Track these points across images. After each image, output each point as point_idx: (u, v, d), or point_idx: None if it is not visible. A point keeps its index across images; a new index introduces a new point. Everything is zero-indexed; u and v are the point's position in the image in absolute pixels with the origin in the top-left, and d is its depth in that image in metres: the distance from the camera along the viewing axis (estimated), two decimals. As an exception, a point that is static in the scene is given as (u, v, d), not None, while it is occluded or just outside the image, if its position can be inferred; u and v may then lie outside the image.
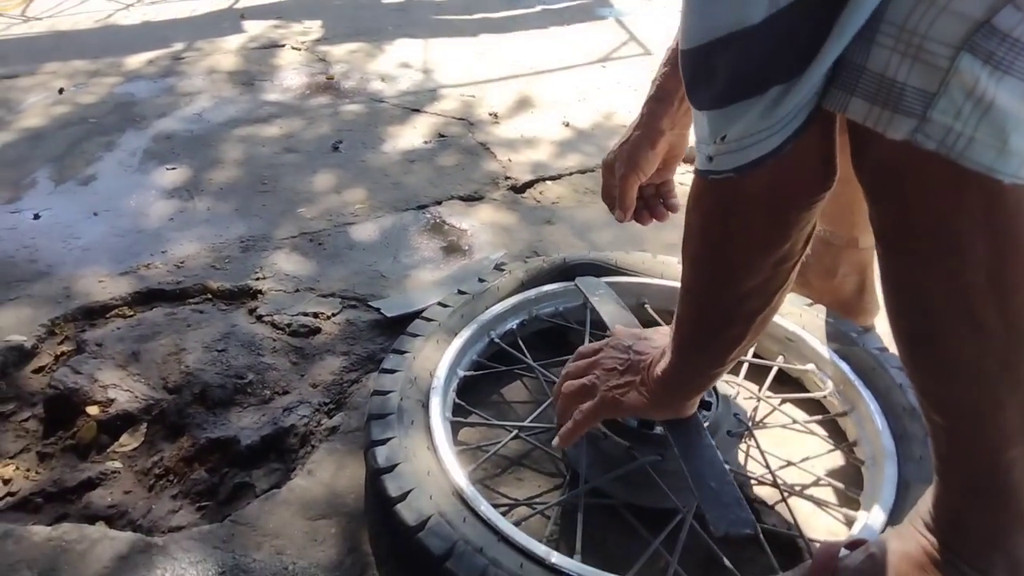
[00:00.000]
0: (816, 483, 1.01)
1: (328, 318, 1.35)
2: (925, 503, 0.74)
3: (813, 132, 0.61)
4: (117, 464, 1.09)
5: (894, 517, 0.86)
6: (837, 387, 1.08)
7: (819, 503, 0.97)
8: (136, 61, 2.63)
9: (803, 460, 1.02)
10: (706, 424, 0.95)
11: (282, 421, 1.13)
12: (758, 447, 1.01)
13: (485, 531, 0.83)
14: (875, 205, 0.60)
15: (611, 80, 2.48)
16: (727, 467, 0.96)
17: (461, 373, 1.11)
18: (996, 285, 0.57)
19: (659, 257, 1.29)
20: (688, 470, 0.86)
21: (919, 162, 0.54)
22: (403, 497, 0.86)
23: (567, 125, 2.14)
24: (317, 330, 1.32)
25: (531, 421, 1.07)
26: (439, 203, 1.74)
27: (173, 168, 1.89)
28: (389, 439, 0.94)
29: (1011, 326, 0.58)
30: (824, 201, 0.67)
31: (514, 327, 1.21)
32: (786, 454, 1.03)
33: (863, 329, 1.14)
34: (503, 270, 1.27)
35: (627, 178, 1.00)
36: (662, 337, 0.91)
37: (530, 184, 1.82)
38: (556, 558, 0.81)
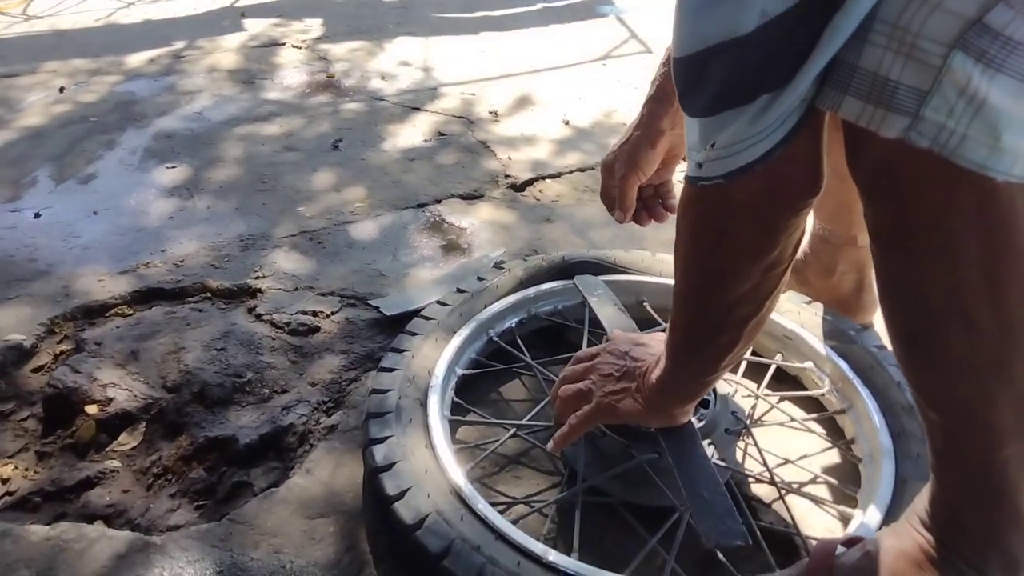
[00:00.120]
0: (814, 481, 1.01)
1: (327, 317, 1.35)
2: (922, 500, 0.74)
3: (801, 139, 0.61)
4: (116, 463, 1.10)
5: (891, 514, 0.86)
6: (835, 385, 1.08)
7: (817, 501, 0.98)
8: (137, 60, 2.64)
9: (801, 458, 1.03)
10: (704, 422, 0.95)
11: (281, 420, 1.13)
12: (756, 445, 1.01)
13: (483, 529, 0.83)
14: (869, 203, 0.60)
15: (611, 78, 2.48)
16: (726, 465, 0.96)
17: (459, 371, 1.11)
18: (989, 282, 0.57)
19: (658, 255, 1.29)
20: (681, 478, 0.86)
21: (912, 160, 0.54)
22: (401, 495, 0.86)
23: (567, 123, 2.14)
24: (316, 329, 1.32)
25: (529, 419, 1.07)
26: (439, 201, 1.74)
27: (173, 167, 1.89)
28: (387, 437, 0.94)
29: (1004, 324, 0.58)
30: (811, 208, 0.68)
31: (513, 325, 1.21)
32: (784, 452, 1.03)
33: (861, 327, 1.14)
34: (502, 268, 1.27)
35: (627, 178, 1.00)
36: (658, 344, 0.91)
37: (530, 182, 1.82)
38: (554, 556, 0.81)
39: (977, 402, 0.62)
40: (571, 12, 3.15)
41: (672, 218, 1.06)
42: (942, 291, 0.59)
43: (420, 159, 1.93)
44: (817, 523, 0.96)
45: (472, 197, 1.76)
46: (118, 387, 1.18)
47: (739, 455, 1.03)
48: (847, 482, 0.99)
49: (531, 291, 1.23)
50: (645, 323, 1.20)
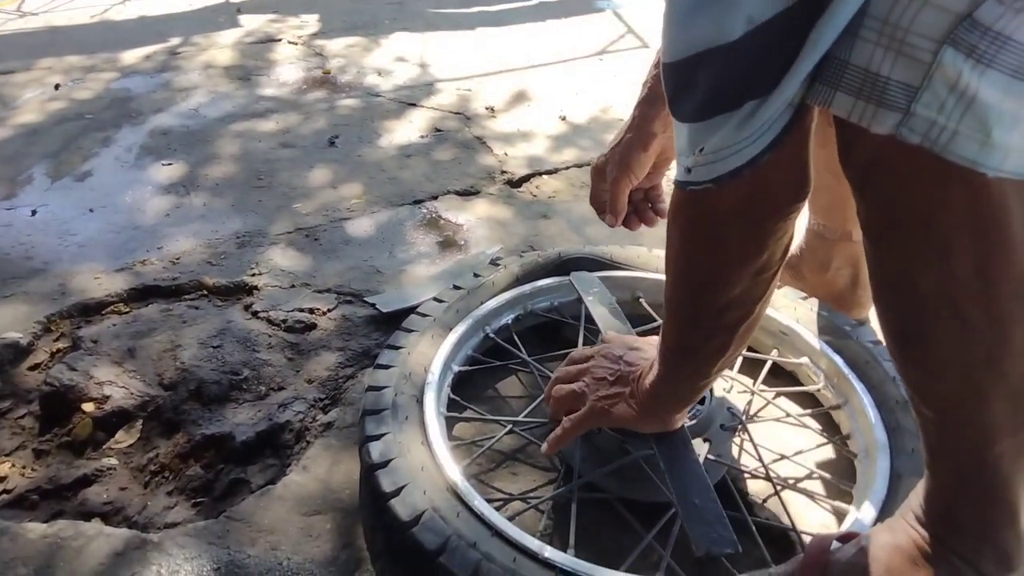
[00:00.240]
0: (809, 476, 1.01)
1: (324, 314, 1.35)
2: (916, 496, 0.74)
3: (788, 144, 0.62)
4: (113, 461, 1.10)
5: (886, 510, 0.86)
6: (830, 380, 1.09)
7: (812, 496, 0.98)
8: (132, 56, 2.63)
9: (796, 453, 1.03)
10: (698, 420, 0.95)
11: (277, 417, 1.13)
12: (751, 440, 1.01)
13: (479, 526, 0.84)
14: (861, 199, 0.60)
15: (608, 73, 2.48)
16: (721, 461, 0.97)
17: (456, 368, 1.12)
18: (981, 278, 0.57)
19: (654, 251, 1.29)
20: (672, 484, 0.86)
21: (904, 156, 0.54)
22: (397, 492, 0.86)
23: (564, 119, 2.13)
24: (312, 326, 1.32)
25: (525, 416, 1.07)
26: (435, 198, 1.74)
27: (169, 164, 1.89)
28: (383, 435, 0.94)
29: (995, 319, 0.58)
30: (799, 213, 0.69)
31: (509, 322, 1.21)
32: (779, 447, 1.03)
33: (857, 322, 1.14)
34: (498, 265, 1.27)
35: (619, 181, 0.99)
36: (652, 348, 0.92)
37: (526, 178, 1.82)
38: (549, 552, 0.81)
39: (970, 398, 0.62)
40: (567, 7, 3.14)
41: (662, 222, 1.06)
42: (934, 287, 0.59)
43: (416, 155, 1.93)
44: (812, 518, 0.96)
45: (468, 193, 1.76)
46: (115, 385, 1.18)
47: (735, 451, 1.03)
48: (842, 477, 0.99)
49: (527, 287, 1.23)
50: (641, 319, 1.20)
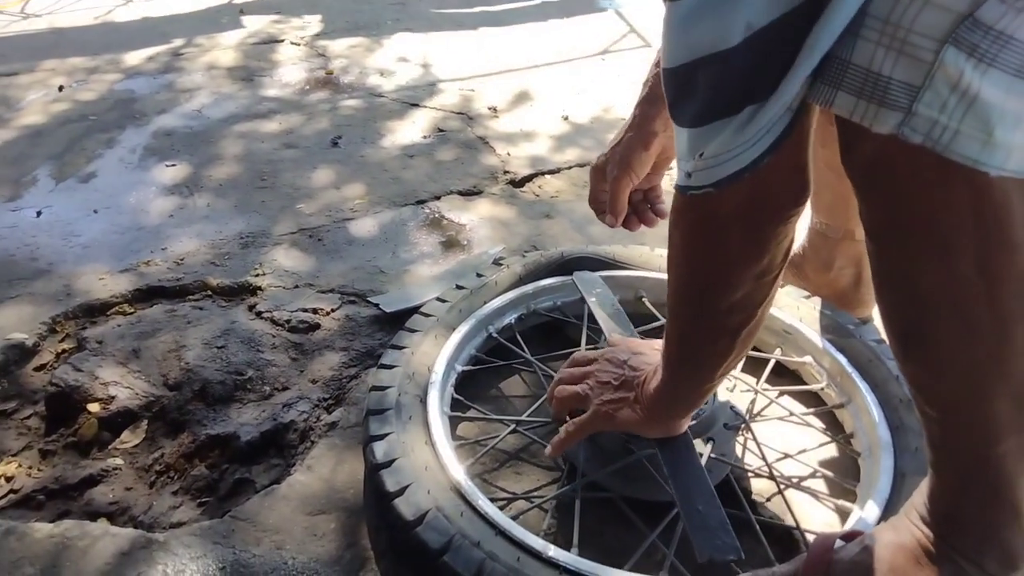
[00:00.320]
0: (813, 475, 1.01)
1: (327, 314, 1.35)
2: (920, 495, 0.74)
3: (786, 148, 0.62)
4: (118, 461, 1.10)
5: (890, 508, 0.87)
6: (834, 379, 1.09)
7: (816, 495, 0.98)
8: (135, 57, 2.64)
9: (800, 452, 1.03)
10: (702, 419, 0.95)
11: (281, 417, 1.14)
12: (755, 439, 1.01)
13: (483, 525, 0.84)
14: (864, 200, 0.60)
15: (611, 73, 2.48)
16: (725, 460, 0.97)
17: (459, 368, 1.12)
18: (984, 277, 0.57)
19: (656, 250, 1.30)
20: (676, 490, 0.86)
21: (906, 156, 0.54)
22: (401, 492, 0.87)
23: (566, 119, 2.14)
24: (316, 326, 1.32)
25: (529, 415, 1.07)
26: (438, 198, 1.74)
27: (173, 165, 1.90)
28: (387, 434, 0.94)
29: (999, 319, 0.58)
30: (799, 217, 0.69)
31: (512, 322, 1.21)
32: (783, 446, 1.03)
33: (860, 321, 1.14)
34: (501, 265, 1.27)
35: (619, 180, 0.99)
36: (655, 353, 0.92)
37: (529, 178, 1.82)
38: (553, 551, 0.81)
39: (973, 398, 0.62)
40: (570, 7, 3.14)
41: (663, 222, 1.06)
42: (938, 287, 0.59)
43: (419, 155, 1.93)
44: (816, 517, 0.96)
45: (471, 193, 1.76)
46: (120, 385, 1.19)
47: (738, 450, 1.03)
48: (846, 476, 1.00)
49: (530, 287, 1.23)
50: (644, 318, 1.20)
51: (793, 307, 1.17)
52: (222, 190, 1.78)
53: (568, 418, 1.00)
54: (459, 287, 1.21)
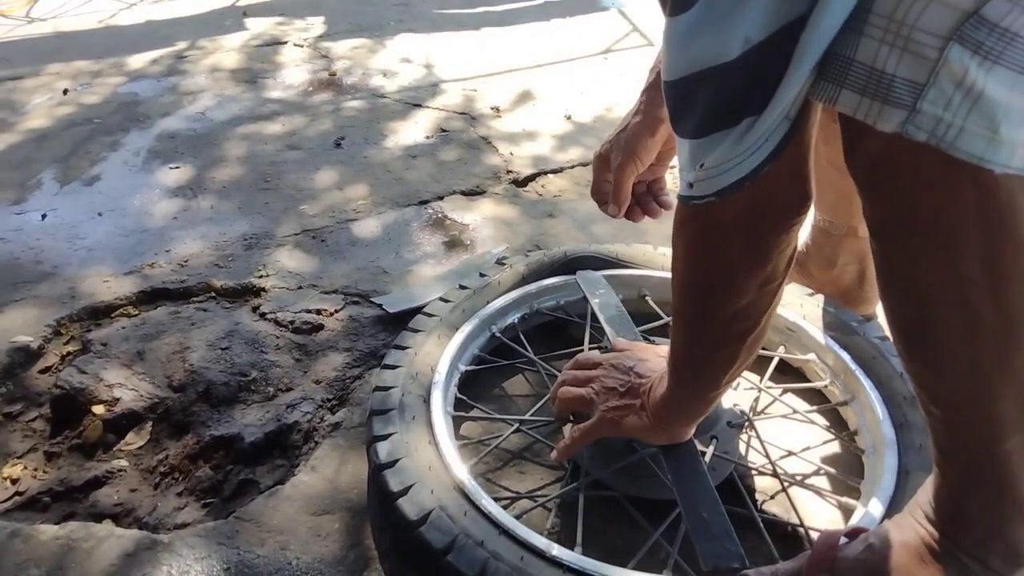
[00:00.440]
0: (817, 472, 1.01)
1: (331, 315, 1.36)
2: (925, 493, 0.74)
3: (786, 156, 0.62)
4: (123, 462, 1.11)
5: (894, 506, 0.86)
6: (838, 376, 1.08)
7: (820, 492, 0.98)
8: (139, 60, 2.65)
9: (804, 449, 1.03)
10: (705, 417, 0.95)
11: (285, 418, 1.14)
12: (759, 437, 1.01)
13: (486, 524, 0.84)
14: (868, 199, 0.60)
15: (613, 72, 2.48)
16: (729, 458, 0.97)
17: (462, 368, 1.12)
18: (990, 276, 0.56)
19: (660, 249, 1.29)
20: (680, 497, 0.86)
21: (910, 154, 0.53)
22: (405, 492, 0.87)
23: (569, 118, 2.14)
24: (320, 327, 1.32)
25: (532, 414, 1.07)
26: (441, 198, 1.74)
27: (177, 167, 1.90)
28: (391, 434, 0.94)
29: (1006, 317, 0.58)
30: (801, 225, 0.69)
31: (515, 321, 1.21)
32: (787, 444, 1.03)
33: (863, 318, 1.14)
34: (504, 264, 1.27)
35: (624, 167, 0.98)
36: (661, 360, 0.92)
37: (532, 178, 1.82)
38: (557, 550, 0.81)
39: (979, 396, 0.62)
40: (572, 6, 3.14)
41: (666, 214, 1.06)
42: (943, 285, 0.58)
43: (422, 156, 1.93)
44: (820, 515, 0.96)
45: (474, 193, 1.76)
46: (124, 387, 1.19)
47: (742, 447, 1.03)
48: (850, 473, 0.99)
49: (533, 287, 1.23)
50: (647, 317, 1.20)
51: (796, 304, 1.16)
52: (226, 192, 1.79)
53: (571, 418, 1.01)
54: (462, 287, 1.21)
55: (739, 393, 1.10)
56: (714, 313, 0.74)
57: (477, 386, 1.14)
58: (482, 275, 1.24)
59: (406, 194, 1.75)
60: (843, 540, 0.76)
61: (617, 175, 0.99)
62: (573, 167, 1.87)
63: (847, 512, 0.94)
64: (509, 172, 1.84)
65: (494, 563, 0.79)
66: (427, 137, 2.04)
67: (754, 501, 0.96)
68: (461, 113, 2.18)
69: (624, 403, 0.91)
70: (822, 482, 1.00)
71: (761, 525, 0.89)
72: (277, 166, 1.90)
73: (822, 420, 1.09)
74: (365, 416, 1.03)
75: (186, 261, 1.52)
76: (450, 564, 0.79)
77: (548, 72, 2.48)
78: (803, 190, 0.67)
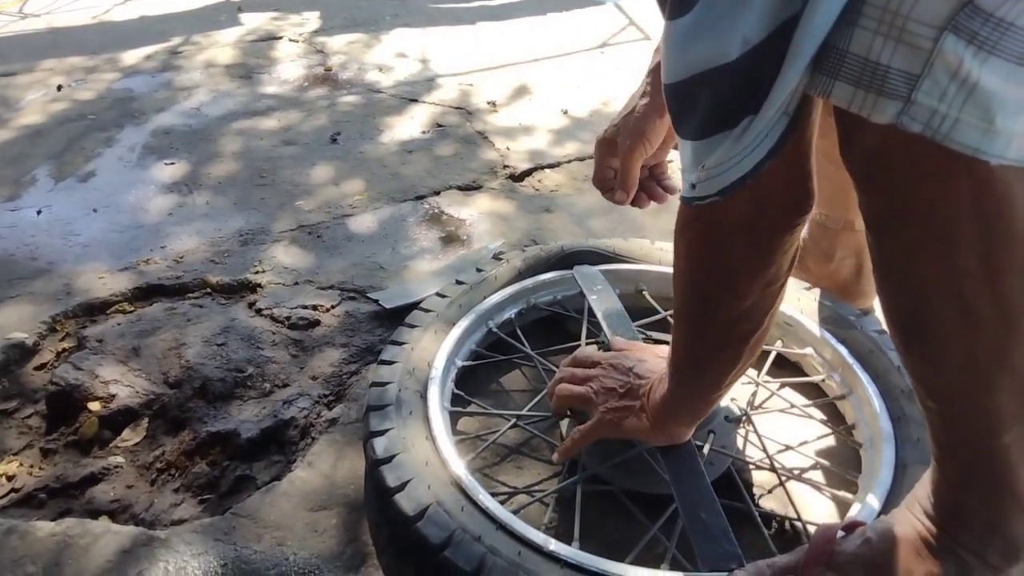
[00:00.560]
0: (814, 466, 1.01)
1: (327, 310, 1.35)
2: (923, 487, 0.73)
3: (788, 151, 0.62)
4: (119, 459, 1.10)
5: (892, 499, 0.86)
6: (835, 370, 1.08)
7: (817, 486, 0.98)
8: (133, 56, 2.63)
9: (801, 444, 1.03)
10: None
11: (282, 413, 1.14)
12: (756, 432, 1.01)
13: (483, 519, 0.84)
14: (863, 191, 0.60)
15: (610, 66, 2.47)
16: (726, 453, 0.96)
17: (459, 363, 1.12)
18: (987, 269, 0.56)
19: (657, 244, 1.29)
20: (679, 498, 0.86)
21: (905, 146, 0.53)
22: (402, 487, 0.87)
23: (565, 113, 2.13)
24: (316, 322, 1.32)
25: (529, 410, 1.07)
26: (437, 193, 1.73)
27: (172, 163, 1.90)
28: (388, 430, 0.94)
29: (1003, 311, 0.57)
30: (804, 225, 0.69)
31: (512, 316, 1.21)
32: (784, 438, 1.03)
33: (861, 312, 1.14)
34: (501, 259, 1.26)
35: (633, 151, 0.96)
36: (660, 361, 0.92)
37: (528, 172, 1.82)
38: (555, 545, 0.81)
39: (977, 390, 0.62)
40: (568, 0, 3.14)
41: (671, 203, 1.05)
42: (939, 278, 0.58)
43: (418, 151, 1.93)
44: (817, 509, 0.96)
45: (471, 188, 1.76)
46: (120, 383, 1.19)
47: (739, 442, 1.03)
48: (847, 467, 0.99)
49: (530, 282, 1.23)
50: (645, 312, 1.20)
51: (794, 299, 1.16)
52: (221, 188, 1.78)
53: (569, 414, 1.00)
54: (459, 282, 1.21)
55: (736, 388, 1.09)
56: (717, 315, 0.74)
57: (474, 381, 1.14)
58: (479, 270, 1.24)
59: (402, 189, 1.75)
60: (840, 534, 0.76)
61: (626, 159, 0.97)
62: (570, 162, 1.87)
63: (844, 506, 0.94)
64: (505, 167, 1.84)
65: (491, 558, 0.79)
66: (423, 132, 2.04)
67: (751, 495, 0.96)
68: (457, 108, 2.18)
69: (624, 404, 0.91)
70: (819, 476, 1.00)
71: (758, 519, 0.90)
72: (272, 162, 1.89)
73: (819, 414, 1.09)
74: (362, 412, 1.03)
75: (181, 257, 1.51)
76: (447, 559, 0.79)
77: (544, 66, 2.48)
78: (805, 188, 0.66)
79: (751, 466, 1.00)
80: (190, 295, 1.41)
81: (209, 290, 1.42)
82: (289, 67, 2.52)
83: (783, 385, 1.12)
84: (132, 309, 1.38)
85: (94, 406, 1.16)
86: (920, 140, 0.52)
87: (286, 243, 1.56)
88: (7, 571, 0.88)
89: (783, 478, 0.97)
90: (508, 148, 1.93)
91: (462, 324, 1.14)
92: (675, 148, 1.07)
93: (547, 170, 1.83)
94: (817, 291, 1.17)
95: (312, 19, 3.01)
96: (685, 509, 0.85)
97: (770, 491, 0.98)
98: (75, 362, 1.22)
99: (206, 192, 1.76)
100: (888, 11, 0.50)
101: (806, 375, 1.14)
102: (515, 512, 0.87)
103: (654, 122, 0.94)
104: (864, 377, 1.03)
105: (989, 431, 0.63)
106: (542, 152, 1.91)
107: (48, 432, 1.16)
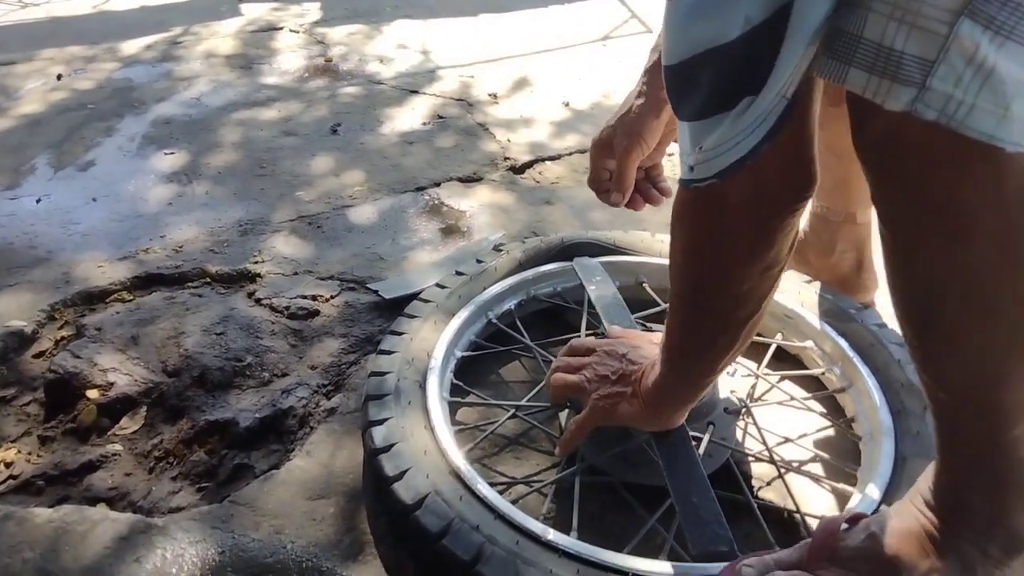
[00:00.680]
0: (814, 459, 1.01)
1: (327, 300, 1.35)
2: (926, 480, 0.73)
3: (786, 134, 0.61)
4: (117, 447, 1.10)
5: (891, 492, 0.86)
6: (835, 363, 1.08)
7: (816, 479, 0.98)
8: (134, 46, 2.63)
9: (801, 436, 1.02)
10: (702, 403, 0.95)
11: (281, 403, 1.13)
12: (756, 424, 1.01)
13: (482, 509, 0.84)
14: (876, 181, 0.58)
15: (611, 59, 2.47)
16: (725, 445, 0.96)
17: (459, 353, 1.11)
18: (1007, 261, 0.55)
19: (657, 236, 1.29)
20: (671, 483, 0.86)
21: (920, 133, 0.52)
22: (400, 476, 0.86)
23: (566, 105, 2.12)
24: (316, 312, 1.32)
25: (528, 400, 1.07)
26: (438, 184, 1.73)
27: (171, 153, 1.89)
28: (386, 419, 0.94)
29: (1020, 302, 0.56)
30: (804, 208, 0.68)
31: (512, 307, 1.21)
32: (784, 430, 1.03)
33: (861, 305, 1.14)
34: (501, 251, 1.26)
35: (629, 152, 0.95)
36: (653, 347, 0.92)
37: (529, 164, 1.81)
38: (553, 535, 0.81)
39: (990, 383, 0.61)
40: (571, -7, 3.13)
41: (667, 201, 1.04)
42: (956, 270, 0.56)
43: (419, 142, 1.92)
44: (817, 501, 0.96)
45: (471, 180, 1.75)
46: (119, 372, 1.19)
47: (739, 434, 1.03)
48: (847, 460, 0.99)
49: (530, 273, 1.22)
50: (645, 304, 1.19)
51: (794, 292, 1.16)
52: (221, 178, 1.77)
53: (567, 404, 1.00)
54: (459, 273, 1.20)
55: (736, 380, 1.09)
56: (714, 299, 0.73)
57: (473, 372, 1.14)
58: (479, 261, 1.23)
59: (402, 180, 1.74)
60: (844, 526, 0.76)
61: (622, 160, 0.97)
62: (571, 154, 1.86)
63: (843, 499, 0.94)
64: (506, 159, 1.83)
65: (489, 547, 0.79)
66: (424, 123, 2.03)
67: (751, 487, 0.96)
68: (458, 99, 2.17)
69: (616, 390, 0.90)
70: (819, 469, 1.00)
71: (757, 511, 0.89)
72: (273, 152, 1.88)
73: (819, 407, 1.09)
74: (361, 401, 1.03)
75: (181, 247, 1.51)
76: (445, 548, 0.79)
77: (546, 58, 2.47)
78: (805, 172, 0.65)
79: (750, 458, 1.00)
80: (189, 284, 1.41)
81: (208, 279, 1.42)
82: (289, 58, 2.51)
83: (783, 378, 1.12)
84: (131, 298, 1.38)
85: (92, 394, 1.15)
86: (935, 127, 0.51)
87: (286, 233, 1.56)
88: (5, 557, 0.88)
89: (782, 470, 0.96)
90: (509, 140, 1.92)
91: (462, 315, 1.14)
92: (675, 141, 1.06)
93: (548, 162, 1.83)
94: (818, 284, 1.17)
95: (313, 10, 3.00)
96: (677, 494, 0.85)
97: (769, 483, 0.98)
98: (74, 350, 1.22)
99: (206, 182, 1.76)
100: None
101: (806, 368, 1.13)
102: (513, 502, 0.87)
103: (650, 122, 0.94)
104: (864, 370, 1.03)
105: (998, 426, 0.63)
106: (543, 144, 1.90)
107: (46, 419, 1.15)
